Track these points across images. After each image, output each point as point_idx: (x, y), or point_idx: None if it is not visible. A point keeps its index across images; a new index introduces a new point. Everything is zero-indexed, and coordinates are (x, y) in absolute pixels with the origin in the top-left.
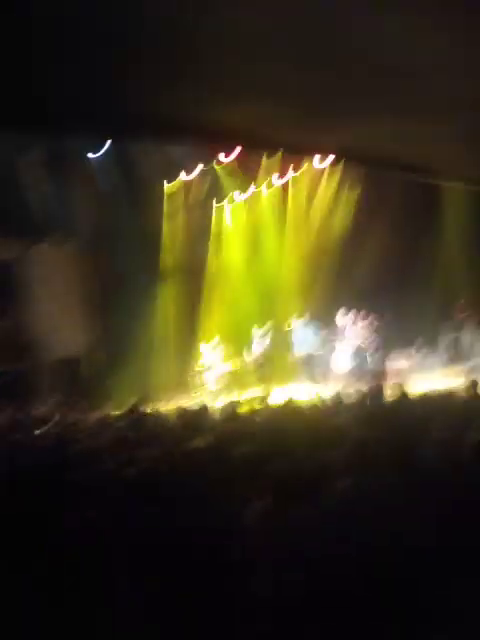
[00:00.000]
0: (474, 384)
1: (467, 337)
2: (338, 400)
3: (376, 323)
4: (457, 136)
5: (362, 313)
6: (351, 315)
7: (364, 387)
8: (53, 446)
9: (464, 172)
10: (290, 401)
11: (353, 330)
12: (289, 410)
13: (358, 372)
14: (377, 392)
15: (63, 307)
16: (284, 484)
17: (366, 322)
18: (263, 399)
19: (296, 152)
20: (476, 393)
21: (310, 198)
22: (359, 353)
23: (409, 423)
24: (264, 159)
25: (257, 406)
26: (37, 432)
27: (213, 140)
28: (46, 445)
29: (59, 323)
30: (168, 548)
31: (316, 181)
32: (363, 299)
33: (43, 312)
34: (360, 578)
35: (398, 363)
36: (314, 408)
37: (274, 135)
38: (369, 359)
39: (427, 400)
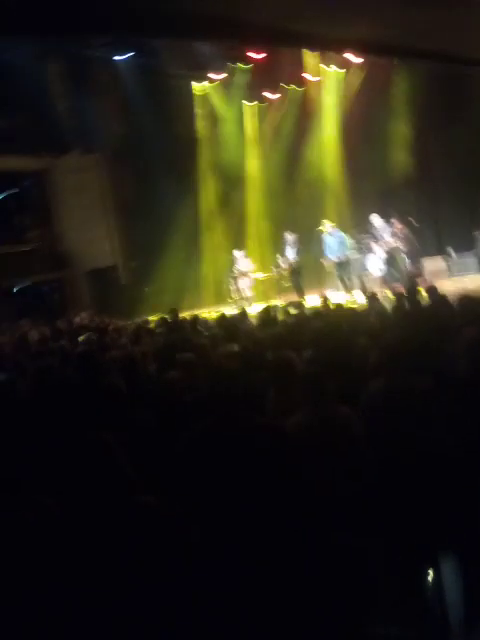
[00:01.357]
0: None
1: None
2: (373, 302)
3: (412, 225)
4: None
5: (397, 215)
6: (386, 218)
7: (399, 289)
8: (96, 352)
9: None
10: (325, 305)
11: (388, 233)
12: (324, 314)
13: (393, 275)
14: (413, 294)
15: (97, 216)
16: (321, 385)
17: (401, 224)
18: (298, 304)
19: (326, 47)
20: None
21: (343, 96)
22: (394, 256)
23: (443, 325)
24: (295, 56)
25: (292, 311)
26: (80, 339)
27: (241, 37)
28: (89, 351)
29: (93, 232)
30: (209, 449)
31: (349, 77)
32: (398, 201)
33: (77, 222)
34: (391, 476)
35: (434, 265)
36: (349, 311)
37: (302, 30)
38: (404, 261)
39: (462, 301)
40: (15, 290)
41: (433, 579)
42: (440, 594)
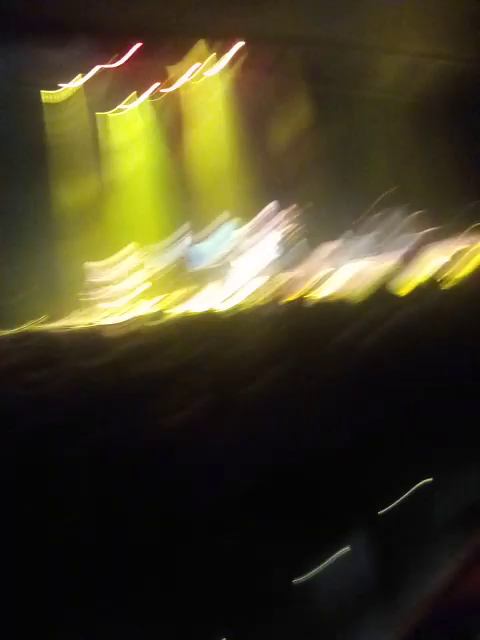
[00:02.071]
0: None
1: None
2: (239, 309)
3: (296, 215)
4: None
5: (278, 206)
6: (268, 210)
7: (276, 290)
8: None
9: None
10: (189, 314)
11: (271, 226)
12: (190, 322)
13: (276, 270)
14: (281, 301)
15: None
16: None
17: (283, 217)
18: (162, 314)
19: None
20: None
21: (213, 93)
22: (277, 249)
23: (312, 329)
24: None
25: (157, 321)
26: None
27: (108, 37)
28: None
29: None
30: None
31: (222, 75)
32: (277, 194)
33: None
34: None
35: (321, 254)
36: (215, 318)
37: (177, 22)
38: (288, 255)
39: (334, 305)
40: None
41: None
42: None
